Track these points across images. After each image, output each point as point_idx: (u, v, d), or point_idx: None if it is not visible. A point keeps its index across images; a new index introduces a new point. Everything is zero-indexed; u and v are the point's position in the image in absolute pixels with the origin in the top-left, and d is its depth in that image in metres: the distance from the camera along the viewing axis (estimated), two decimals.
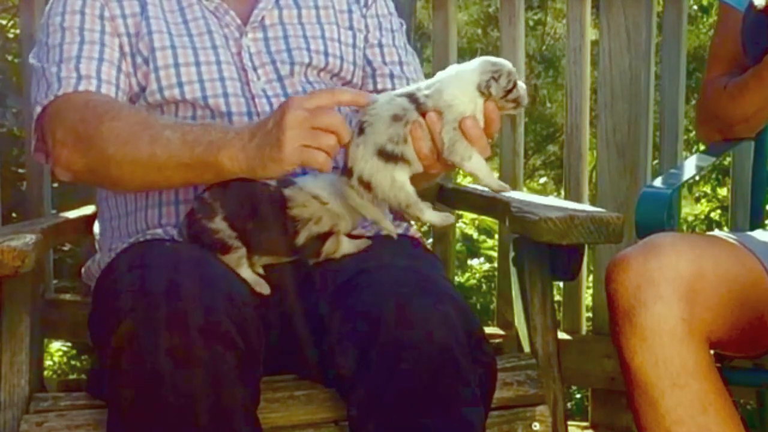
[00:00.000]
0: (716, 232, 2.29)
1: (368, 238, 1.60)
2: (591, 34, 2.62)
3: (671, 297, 1.42)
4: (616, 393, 2.52)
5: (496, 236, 3.25)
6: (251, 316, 1.40)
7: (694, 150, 3.95)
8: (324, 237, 1.54)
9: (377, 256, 1.54)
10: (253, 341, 1.37)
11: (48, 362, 3.37)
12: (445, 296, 1.41)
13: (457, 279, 3.52)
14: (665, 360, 1.41)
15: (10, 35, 3.43)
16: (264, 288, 1.53)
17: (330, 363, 1.43)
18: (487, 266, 3.83)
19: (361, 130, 1.44)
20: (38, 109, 1.64)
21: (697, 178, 3.87)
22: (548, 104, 5.94)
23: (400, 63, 1.82)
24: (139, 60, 1.68)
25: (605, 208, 2.25)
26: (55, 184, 2.86)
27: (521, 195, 1.98)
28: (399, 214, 1.66)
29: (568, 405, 3.08)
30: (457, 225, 3.25)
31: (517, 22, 2.60)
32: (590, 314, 2.65)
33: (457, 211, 2.79)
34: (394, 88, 1.71)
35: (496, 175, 1.82)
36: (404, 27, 1.89)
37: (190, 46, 1.69)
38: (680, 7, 2.49)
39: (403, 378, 1.34)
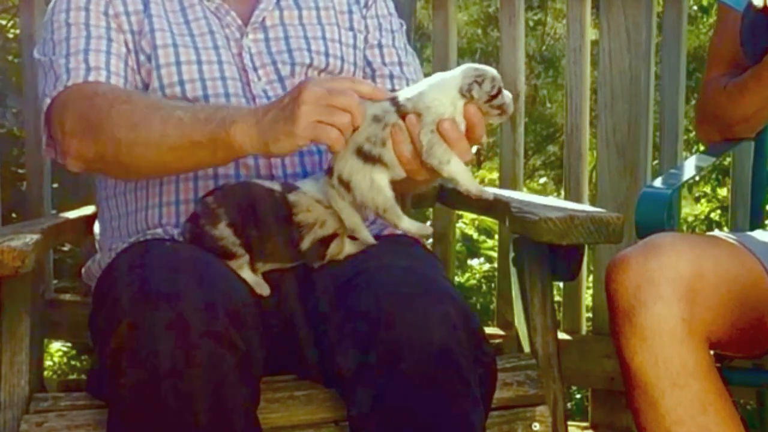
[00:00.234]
0: (716, 232, 2.30)
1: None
2: (591, 34, 2.62)
3: (671, 297, 1.42)
4: (616, 393, 2.52)
5: (496, 236, 3.25)
6: (251, 316, 1.40)
7: (694, 150, 3.96)
8: (329, 240, 1.54)
9: (377, 256, 1.54)
10: (253, 341, 1.37)
11: (48, 362, 3.37)
12: (445, 296, 1.41)
13: (457, 279, 3.52)
14: (665, 360, 1.41)
15: (10, 35, 3.43)
16: (264, 289, 1.53)
17: (330, 363, 1.43)
18: (487, 266, 3.83)
19: None
20: (47, 101, 1.64)
21: (697, 178, 3.87)
22: (548, 104, 5.94)
23: (400, 63, 1.82)
24: (142, 58, 1.68)
25: (605, 208, 2.26)
26: (55, 184, 2.86)
27: (521, 195, 1.99)
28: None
29: (568, 405, 3.08)
30: (457, 225, 3.25)
31: (517, 22, 2.60)
32: (590, 314, 2.65)
33: (457, 211, 2.79)
34: (393, 89, 1.71)
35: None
36: (404, 27, 1.89)
37: (191, 45, 1.69)
38: (680, 7, 2.49)
39: (403, 378, 1.34)
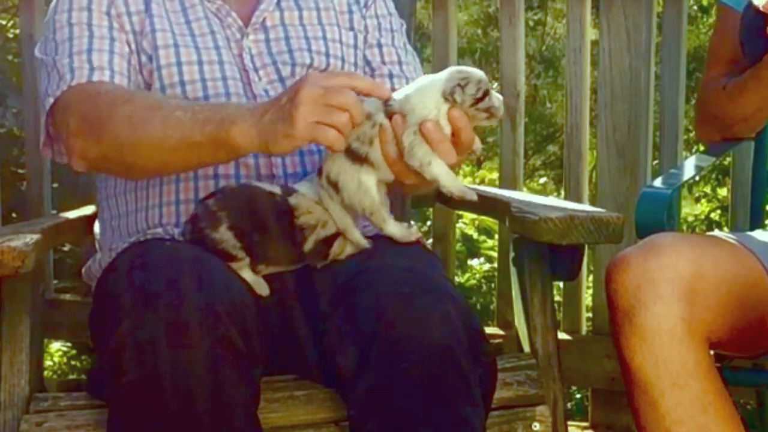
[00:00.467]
0: (716, 232, 2.29)
1: (369, 238, 1.60)
2: (591, 34, 2.62)
3: (671, 297, 1.42)
4: (616, 393, 2.52)
5: (496, 236, 3.25)
6: (251, 316, 1.40)
7: (694, 150, 3.95)
8: (331, 239, 1.54)
9: (377, 256, 1.54)
10: (253, 341, 1.37)
11: (48, 362, 3.37)
12: (445, 296, 1.41)
13: (457, 279, 3.52)
14: (665, 360, 1.41)
15: (10, 35, 3.43)
16: (263, 289, 1.53)
17: (330, 363, 1.43)
18: (487, 266, 3.83)
19: None
20: (50, 100, 1.63)
21: (697, 178, 3.87)
22: (548, 104, 5.94)
23: (400, 63, 1.82)
24: (143, 58, 1.68)
25: (605, 208, 2.26)
26: (55, 184, 2.87)
27: (521, 195, 1.99)
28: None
29: (568, 405, 3.08)
30: (457, 225, 3.25)
31: (517, 22, 2.60)
32: (590, 314, 2.65)
33: (457, 211, 2.79)
34: (393, 88, 1.71)
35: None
36: (404, 27, 1.89)
37: (192, 46, 1.69)
38: (680, 7, 2.49)
39: (403, 378, 1.34)
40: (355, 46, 1.80)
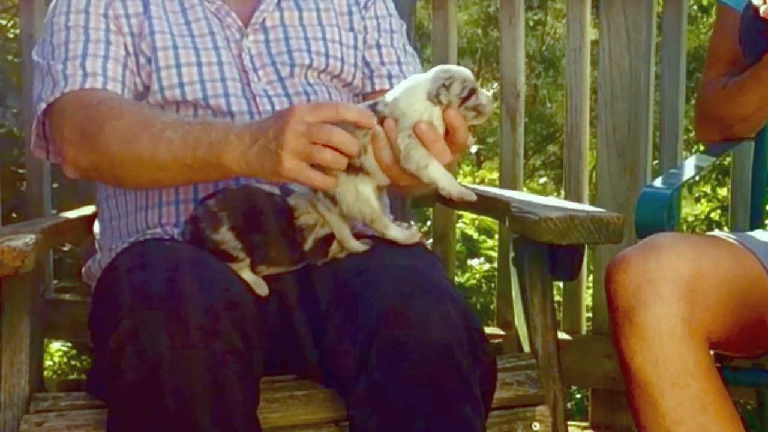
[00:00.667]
0: (716, 232, 2.29)
1: (369, 237, 1.60)
2: (591, 34, 2.62)
3: (671, 297, 1.42)
4: (616, 393, 2.52)
5: (496, 236, 3.25)
6: (251, 316, 1.40)
7: (694, 150, 3.95)
8: (330, 237, 1.54)
9: (377, 256, 1.54)
10: (252, 341, 1.37)
11: (48, 362, 3.37)
12: (445, 296, 1.41)
13: (457, 279, 3.52)
14: (665, 360, 1.41)
15: (10, 35, 3.43)
16: (263, 289, 1.53)
17: (330, 363, 1.43)
18: (487, 266, 3.83)
19: None
20: (42, 105, 1.64)
21: (697, 178, 3.87)
22: (548, 104, 5.94)
23: (399, 63, 1.82)
24: (142, 60, 1.68)
25: (605, 208, 2.26)
26: (55, 184, 2.87)
27: (521, 195, 1.99)
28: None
29: (568, 405, 3.08)
30: (457, 225, 3.25)
31: (517, 22, 2.60)
32: (590, 314, 2.65)
33: (457, 211, 2.79)
34: (393, 89, 1.71)
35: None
36: (404, 27, 1.89)
37: (191, 47, 1.69)
38: (680, 7, 2.49)
39: (403, 378, 1.34)
40: (355, 47, 1.80)
